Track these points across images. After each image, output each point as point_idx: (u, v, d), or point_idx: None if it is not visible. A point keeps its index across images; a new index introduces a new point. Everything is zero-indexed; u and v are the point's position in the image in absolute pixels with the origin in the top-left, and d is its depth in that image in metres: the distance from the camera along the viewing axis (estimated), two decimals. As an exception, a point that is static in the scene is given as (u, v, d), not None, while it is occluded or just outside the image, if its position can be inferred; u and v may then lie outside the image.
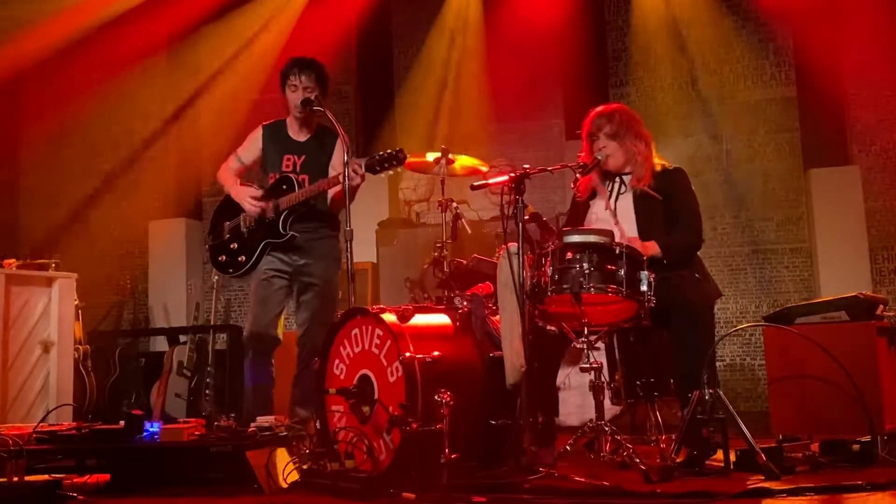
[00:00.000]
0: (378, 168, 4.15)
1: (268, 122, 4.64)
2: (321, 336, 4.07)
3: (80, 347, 6.30)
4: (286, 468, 3.37)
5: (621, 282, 3.43)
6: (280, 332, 4.49)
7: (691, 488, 2.97)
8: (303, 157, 4.48)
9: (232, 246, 4.51)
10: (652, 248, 3.68)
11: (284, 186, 4.37)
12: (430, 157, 5.11)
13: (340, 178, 4.06)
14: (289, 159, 4.48)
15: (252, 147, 4.60)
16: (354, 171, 4.09)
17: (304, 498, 3.24)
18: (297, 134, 4.53)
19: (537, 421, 3.47)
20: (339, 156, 4.41)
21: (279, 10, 8.09)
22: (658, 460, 3.48)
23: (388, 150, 4.16)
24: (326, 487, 3.26)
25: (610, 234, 3.58)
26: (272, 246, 4.40)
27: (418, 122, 7.88)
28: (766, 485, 3.03)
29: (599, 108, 4.05)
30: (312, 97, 4.32)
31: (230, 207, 4.55)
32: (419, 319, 3.59)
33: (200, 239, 8.15)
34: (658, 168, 3.94)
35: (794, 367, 4.66)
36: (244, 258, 4.44)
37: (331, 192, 4.38)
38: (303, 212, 4.36)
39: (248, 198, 4.44)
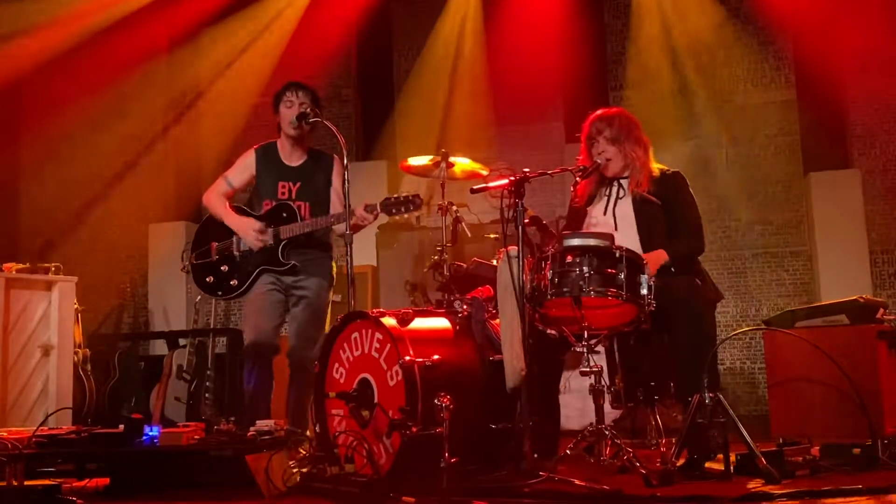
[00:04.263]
0: (394, 210, 4.18)
1: (259, 146, 4.58)
2: (307, 349, 4.16)
3: (80, 351, 6.28)
4: (286, 472, 3.36)
5: (621, 285, 3.42)
6: (279, 341, 4.48)
7: (692, 492, 2.96)
8: (298, 184, 4.43)
9: (222, 268, 4.45)
10: (661, 258, 3.68)
11: (284, 214, 4.34)
12: (430, 160, 5.11)
13: (344, 216, 4.07)
14: (283, 186, 4.43)
15: (244, 172, 4.54)
16: (368, 212, 4.15)
17: (303, 502, 3.23)
18: (290, 158, 4.48)
19: (540, 432, 3.46)
20: (339, 179, 4.39)
21: (280, 14, 8.09)
22: (658, 464, 3.47)
23: (406, 195, 4.18)
24: (326, 491, 3.25)
25: (610, 237, 3.57)
26: (269, 272, 4.37)
27: (418, 125, 7.87)
28: (767, 489, 3.02)
29: (599, 112, 4.05)
30: (307, 111, 4.31)
31: (217, 227, 4.48)
32: (419, 323, 3.59)
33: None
34: (656, 173, 3.95)
35: (795, 370, 4.68)
36: (237, 282, 4.40)
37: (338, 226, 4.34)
38: (302, 240, 4.35)
39: (252, 231, 4.34)
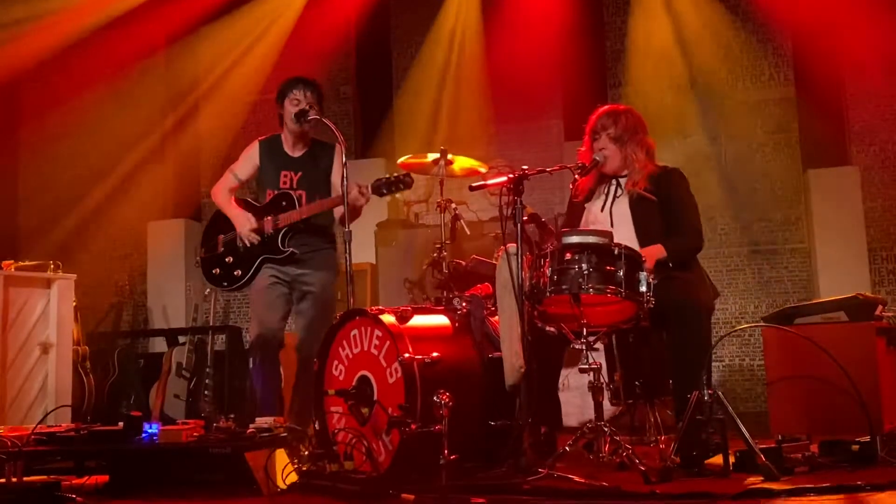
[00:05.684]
0: (385, 191, 4.22)
1: (263, 138, 4.64)
2: (317, 344, 4.12)
3: (79, 349, 6.28)
4: (285, 469, 3.36)
5: (620, 282, 3.42)
6: (284, 335, 4.50)
7: (690, 489, 2.96)
8: (299, 174, 4.49)
9: (227, 259, 4.52)
10: (657, 253, 3.67)
11: (284, 203, 4.40)
12: (429, 158, 5.11)
13: (336, 201, 4.09)
14: (286, 175, 4.49)
15: (248, 163, 4.61)
16: (361, 193, 4.15)
17: (302, 499, 3.23)
18: (293, 149, 4.54)
19: (539, 432, 3.46)
20: (338, 166, 4.42)
21: (278, 11, 8.09)
22: (657, 461, 3.47)
23: (396, 174, 4.21)
24: (325, 489, 3.25)
25: (609, 234, 3.57)
26: (270, 261, 4.42)
27: (417, 122, 7.88)
28: (766, 485, 3.02)
29: (607, 107, 4.02)
30: (308, 109, 4.33)
31: (225, 220, 4.55)
32: (418, 320, 3.59)
33: (199, 240, 8.14)
34: (655, 170, 3.93)
35: (794, 367, 4.67)
36: (240, 272, 4.47)
37: (337, 212, 4.37)
38: (301, 228, 4.38)
39: (247, 225, 4.42)
